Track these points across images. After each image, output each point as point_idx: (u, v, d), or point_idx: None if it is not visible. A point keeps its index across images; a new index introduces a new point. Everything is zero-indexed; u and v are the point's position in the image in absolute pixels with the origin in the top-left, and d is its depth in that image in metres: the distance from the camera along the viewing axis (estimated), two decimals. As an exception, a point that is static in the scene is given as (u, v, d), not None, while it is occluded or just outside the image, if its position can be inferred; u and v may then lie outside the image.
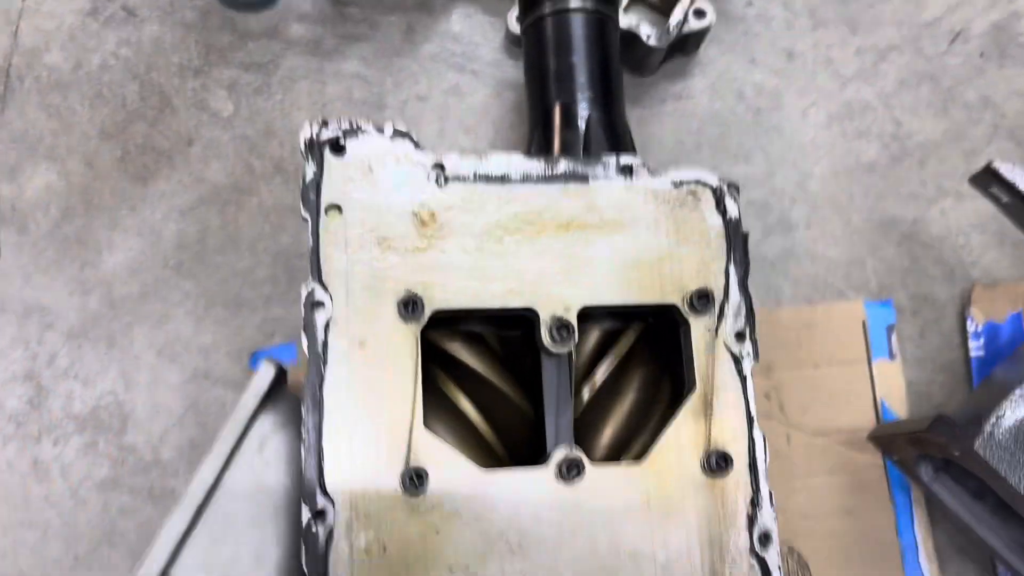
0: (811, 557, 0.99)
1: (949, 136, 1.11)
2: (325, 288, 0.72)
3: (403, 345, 0.73)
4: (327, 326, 0.72)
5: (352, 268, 0.73)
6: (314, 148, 0.74)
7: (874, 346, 1.03)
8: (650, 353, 0.85)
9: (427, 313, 0.73)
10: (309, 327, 0.71)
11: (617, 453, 0.82)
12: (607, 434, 0.83)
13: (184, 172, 1.04)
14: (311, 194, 0.73)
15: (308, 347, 0.71)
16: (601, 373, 0.83)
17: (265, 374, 0.79)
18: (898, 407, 1.02)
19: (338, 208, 0.74)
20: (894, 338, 1.04)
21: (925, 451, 0.86)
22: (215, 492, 0.78)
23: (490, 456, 0.82)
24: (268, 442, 0.80)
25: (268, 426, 0.80)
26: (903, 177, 1.10)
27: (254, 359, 0.99)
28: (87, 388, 0.98)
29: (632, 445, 0.82)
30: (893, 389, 1.03)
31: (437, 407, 0.82)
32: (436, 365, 0.83)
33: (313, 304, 0.72)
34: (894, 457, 0.94)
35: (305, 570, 0.68)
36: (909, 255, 1.08)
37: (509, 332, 0.85)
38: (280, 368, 0.81)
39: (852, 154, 1.10)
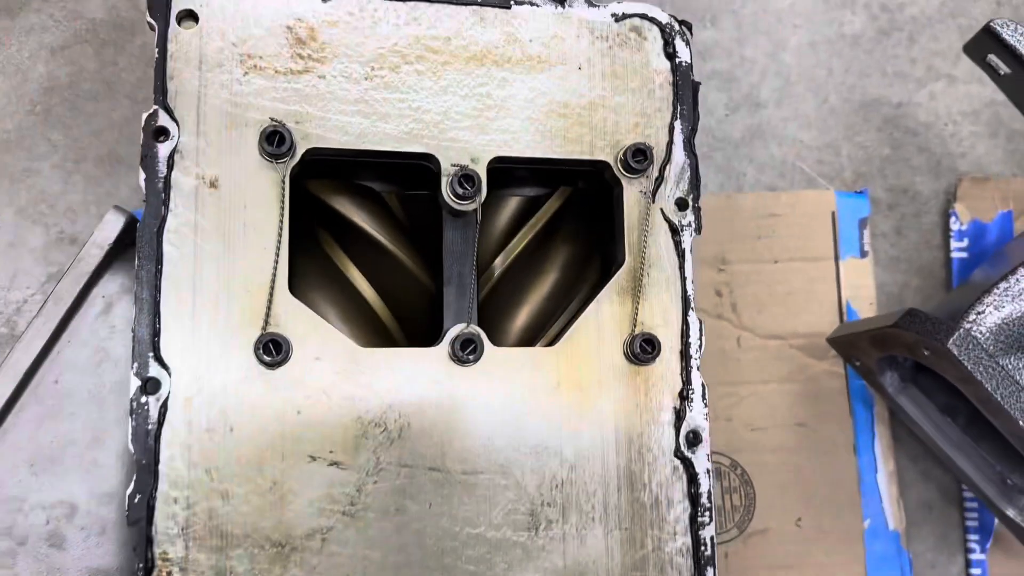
0: (756, 473, 0.88)
1: (945, 10, 0.98)
2: (170, 113, 0.59)
3: (266, 188, 0.60)
4: (171, 159, 0.58)
5: (206, 90, 0.60)
6: (165, -60, 0.60)
7: (843, 242, 0.91)
8: (578, 229, 0.73)
9: (299, 152, 0.60)
10: (148, 159, 0.58)
11: (532, 343, 0.70)
12: (521, 318, 0.72)
13: (57, 5, 0.89)
14: (159, -5, 0.60)
15: (145, 183, 0.58)
16: (517, 242, 0.71)
17: (112, 223, 0.67)
18: (866, 311, 0.90)
19: (193, 16, 0.60)
20: (867, 234, 0.91)
21: (892, 352, 0.74)
22: (47, 360, 0.66)
23: (385, 340, 0.70)
24: (115, 306, 0.68)
25: (116, 287, 0.68)
26: (890, 54, 0.96)
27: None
28: (-65, 249, 0.85)
29: (548, 333, 0.70)
30: (862, 290, 0.91)
31: (322, 276, 0.69)
32: (323, 227, 0.70)
33: (155, 131, 0.58)
34: (856, 362, 0.82)
35: (132, 451, 0.56)
36: (890, 142, 0.95)
37: (415, 192, 0.72)
38: (132, 218, 0.68)
39: (834, 24, 0.96)
